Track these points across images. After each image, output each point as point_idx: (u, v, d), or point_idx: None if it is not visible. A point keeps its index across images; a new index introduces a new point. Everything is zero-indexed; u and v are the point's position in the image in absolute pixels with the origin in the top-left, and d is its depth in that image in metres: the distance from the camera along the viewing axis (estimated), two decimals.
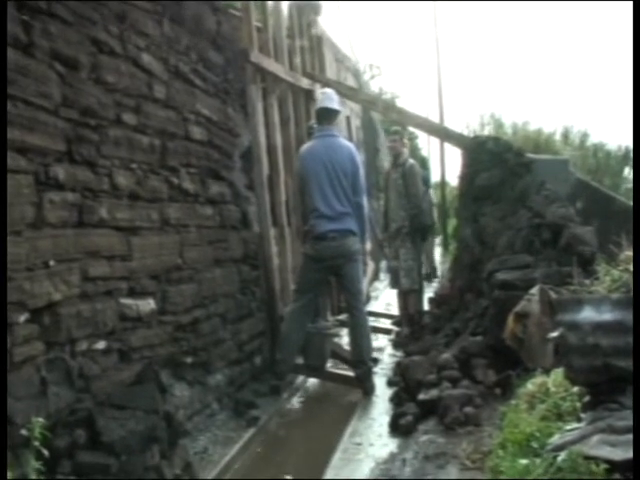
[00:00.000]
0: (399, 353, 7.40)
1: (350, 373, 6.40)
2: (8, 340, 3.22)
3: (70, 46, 3.86)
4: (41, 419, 3.02)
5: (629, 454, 2.40)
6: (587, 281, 4.06)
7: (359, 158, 6.58)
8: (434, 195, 13.06)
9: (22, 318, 3.35)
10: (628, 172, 18.78)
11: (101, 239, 4.10)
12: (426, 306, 8.88)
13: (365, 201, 6.45)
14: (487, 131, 16.91)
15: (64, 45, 3.80)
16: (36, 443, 2.94)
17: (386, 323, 9.28)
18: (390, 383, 6.15)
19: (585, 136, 16.10)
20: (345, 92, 9.33)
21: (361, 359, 6.21)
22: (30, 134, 3.46)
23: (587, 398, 3.02)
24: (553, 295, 3.95)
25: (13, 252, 3.27)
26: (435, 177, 17.88)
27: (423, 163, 11.93)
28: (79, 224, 3.89)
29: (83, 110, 3.95)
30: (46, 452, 2.98)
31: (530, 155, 7.41)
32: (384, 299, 11.43)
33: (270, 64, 7.07)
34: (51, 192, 3.63)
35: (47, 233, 3.59)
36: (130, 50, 4.55)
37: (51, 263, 3.60)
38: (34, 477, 2.94)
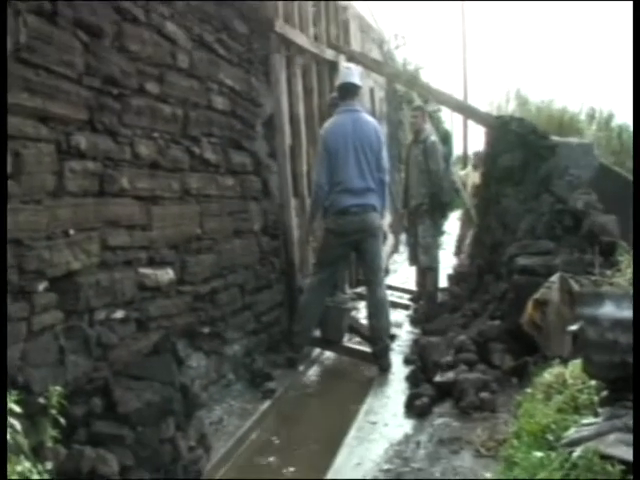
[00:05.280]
0: (417, 330, 7.38)
1: (367, 349, 6.40)
2: (27, 308, 3.23)
3: (94, 14, 3.81)
4: (59, 387, 3.04)
5: None
6: (608, 272, 4.02)
7: (383, 134, 6.52)
8: (455, 172, 12.81)
9: (41, 287, 3.35)
10: None
11: (121, 208, 4.08)
12: (444, 283, 8.84)
13: (387, 177, 6.40)
14: (511, 107, 16.66)
15: (88, 13, 3.75)
16: (53, 411, 2.97)
17: (404, 298, 9.26)
18: (407, 361, 6.13)
19: (610, 117, 15.76)
20: (369, 65, 9.25)
21: (379, 335, 6.18)
22: (52, 102, 3.43)
23: (605, 393, 3.00)
24: (574, 285, 3.92)
25: (33, 220, 3.27)
26: (457, 151, 17.69)
27: (446, 137, 11.71)
28: (100, 193, 3.87)
29: (106, 79, 3.91)
30: (63, 420, 3.00)
31: (554, 138, 7.30)
32: (403, 273, 11.32)
33: (295, 34, 7.00)
34: (72, 161, 3.61)
35: (67, 202, 3.57)
36: (154, 19, 4.49)
37: (71, 232, 3.59)
38: (51, 445, 2.96)
